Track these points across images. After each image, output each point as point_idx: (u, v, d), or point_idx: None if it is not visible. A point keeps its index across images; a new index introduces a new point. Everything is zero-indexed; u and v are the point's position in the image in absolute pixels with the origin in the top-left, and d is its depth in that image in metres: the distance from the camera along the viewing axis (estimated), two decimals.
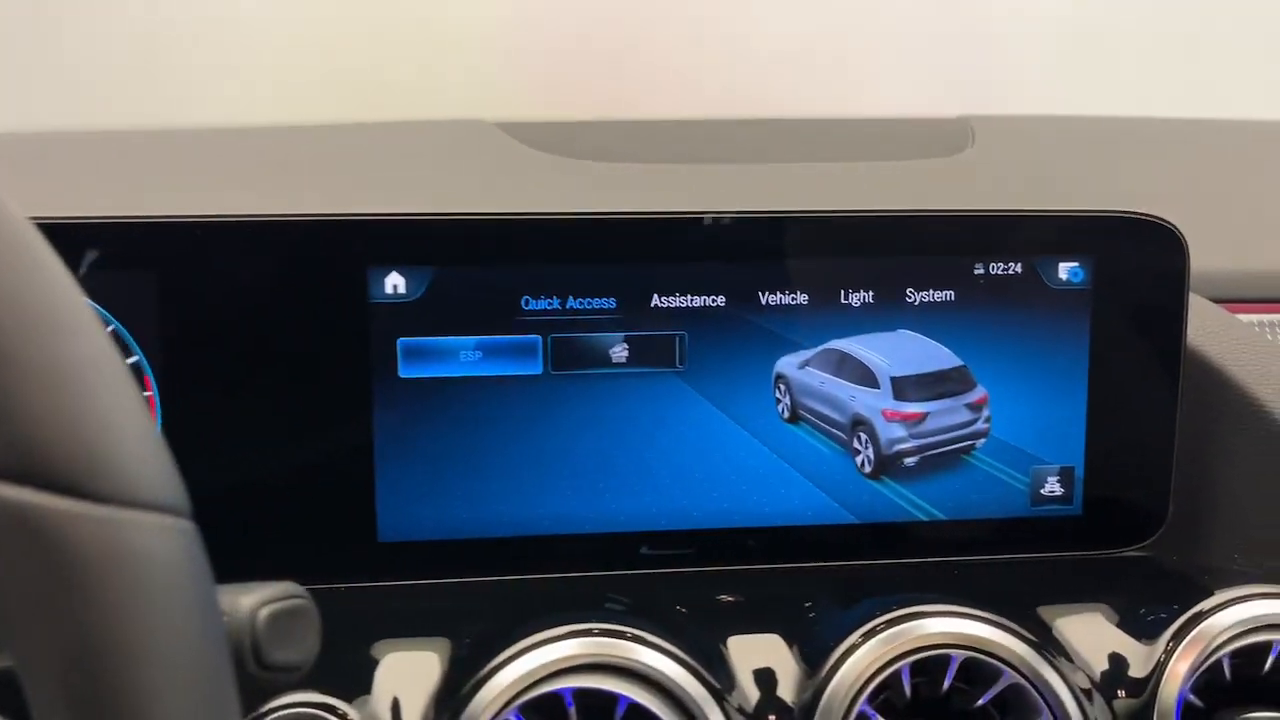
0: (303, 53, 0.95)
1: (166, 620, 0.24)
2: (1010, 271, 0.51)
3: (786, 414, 0.51)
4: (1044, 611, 0.49)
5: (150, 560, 0.24)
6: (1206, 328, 0.55)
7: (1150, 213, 0.51)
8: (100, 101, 0.93)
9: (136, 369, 0.47)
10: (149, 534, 0.24)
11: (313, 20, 0.95)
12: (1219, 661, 0.46)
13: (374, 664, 0.45)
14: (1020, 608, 0.49)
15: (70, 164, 0.70)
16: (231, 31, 0.94)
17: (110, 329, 0.47)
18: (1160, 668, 0.46)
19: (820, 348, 0.51)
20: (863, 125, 0.84)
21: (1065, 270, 0.52)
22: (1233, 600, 0.46)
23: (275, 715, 0.42)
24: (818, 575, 0.51)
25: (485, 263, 0.49)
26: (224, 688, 0.26)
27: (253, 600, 0.33)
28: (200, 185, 0.67)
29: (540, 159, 0.74)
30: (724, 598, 0.50)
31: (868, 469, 0.52)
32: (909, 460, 0.52)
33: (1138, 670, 0.46)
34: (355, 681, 0.44)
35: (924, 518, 0.52)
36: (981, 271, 0.51)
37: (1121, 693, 0.46)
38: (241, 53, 0.95)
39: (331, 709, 0.43)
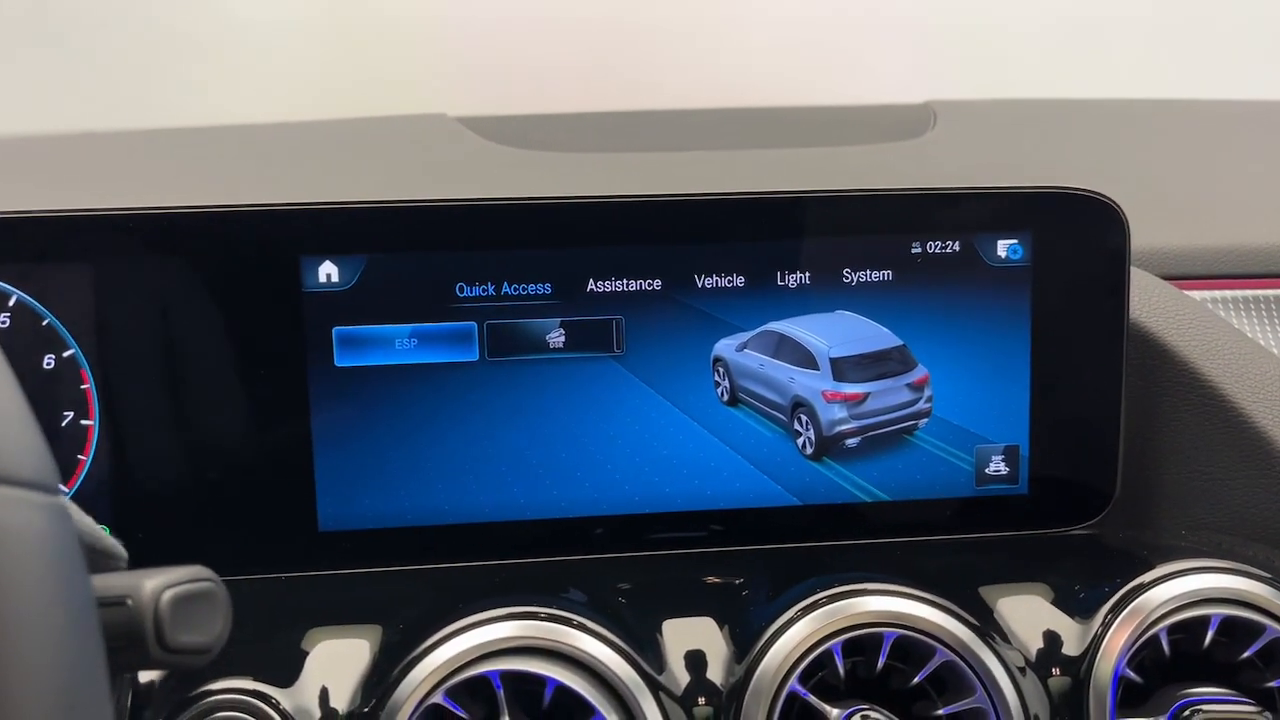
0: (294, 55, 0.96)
1: (24, 594, 0.24)
2: (948, 250, 0.51)
3: (726, 397, 0.51)
4: (986, 591, 0.49)
5: (10, 534, 0.24)
6: (1153, 303, 0.54)
7: (1087, 188, 0.51)
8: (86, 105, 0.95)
9: (73, 362, 0.48)
10: (11, 509, 0.25)
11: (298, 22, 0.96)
12: (1157, 637, 0.46)
13: (309, 651, 0.45)
14: (963, 587, 0.49)
15: (26, 166, 0.70)
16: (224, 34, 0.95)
17: (45, 323, 0.47)
18: (1096, 643, 0.45)
19: (758, 330, 0.51)
20: (829, 112, 0.84)
21: (1004, 248, 0.51)
22: (1170, 574, 0.46)
23: (207, 701, 0.42)
24: (760, 559, 0.51)
25: (418, 249, 0.49)
26: (87, 667, 0.26)
27: (156, 583, 0.33)
28: (153, 184, 0.67)
29: (500, 151, 0.75)
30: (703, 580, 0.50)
31: (809, 451, 0.52)
32: (850, 441, 0.52)
33: (1074, 647, 0.46)
34: (291, 669, 0.44)
35: (867, 499, 0.52)
36: (919, 250, 0.51)
37: (1056, 670, 0.45)
38: (234, 55, 0.95)
39: (264, 696, 0.43)
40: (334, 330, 0.49)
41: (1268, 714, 0.45)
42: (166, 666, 0.34)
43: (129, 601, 0.33)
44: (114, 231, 0.47)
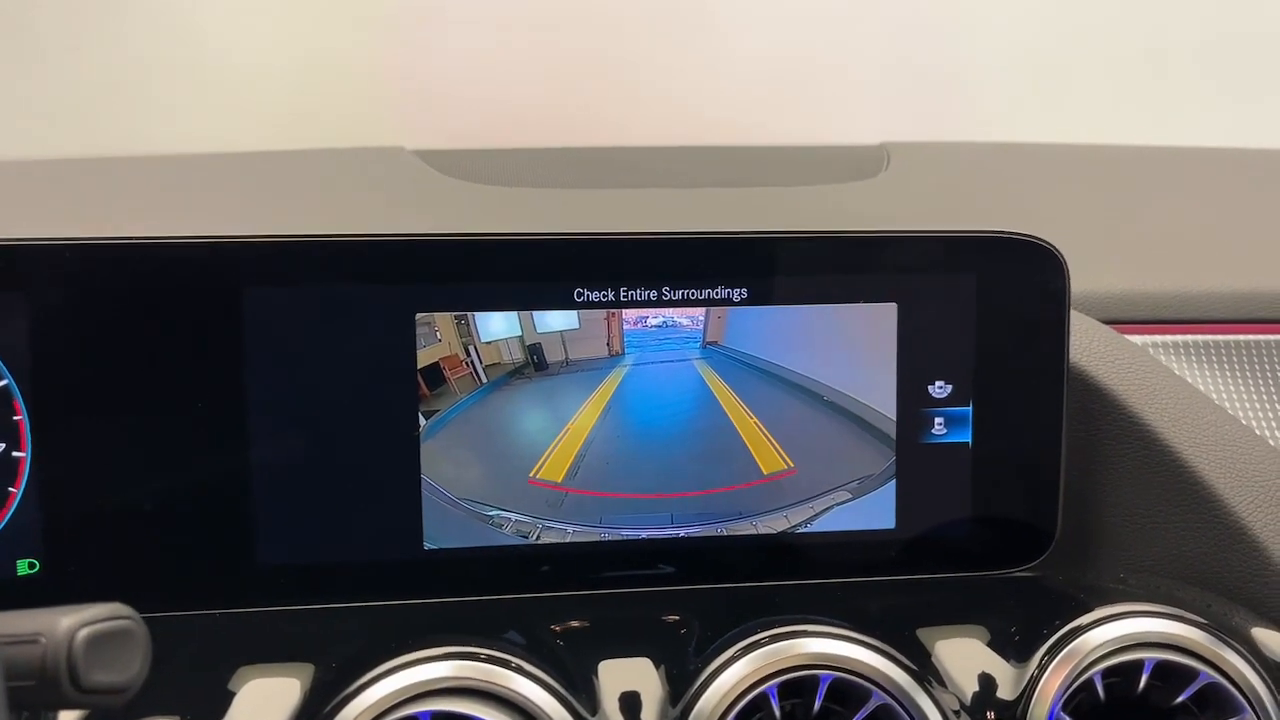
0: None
1: None
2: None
3: None
4: (924, 633, 0.49)
5: None
6: (1094, 347, 0.55)
7: (1029, 233, 0.52)
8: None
9: (5, 393, 0.47)
10: None
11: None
12: (1092, 681, 0.46)
13: (237, 690, 0.44)
14: (901, 629, 0.49)
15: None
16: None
17: None
18: (1031, 686, 0.45)
19: None
20: (784, 152, 0.85)
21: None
22: (1105, 618, 0.46)
23: None
24: (699, 598, 0.51)
25: (361, 283, 0.48)
26: None
27: (71, 621, 0.33)
28: (101, 212, 0.67)
29: (456, 186, 0.75)
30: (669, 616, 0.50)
31: None
32: None
33: (1009, 691, 0.46)
34: (217, 708, 0.44)
35: (808, 539, 0.52)
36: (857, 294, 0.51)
37: (991, 714, 0.45)
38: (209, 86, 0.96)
39: None
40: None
41: None
42: (81, 706, 0.33)
43: (42, 639, 0.32)
44: (50, 261, 0.47)
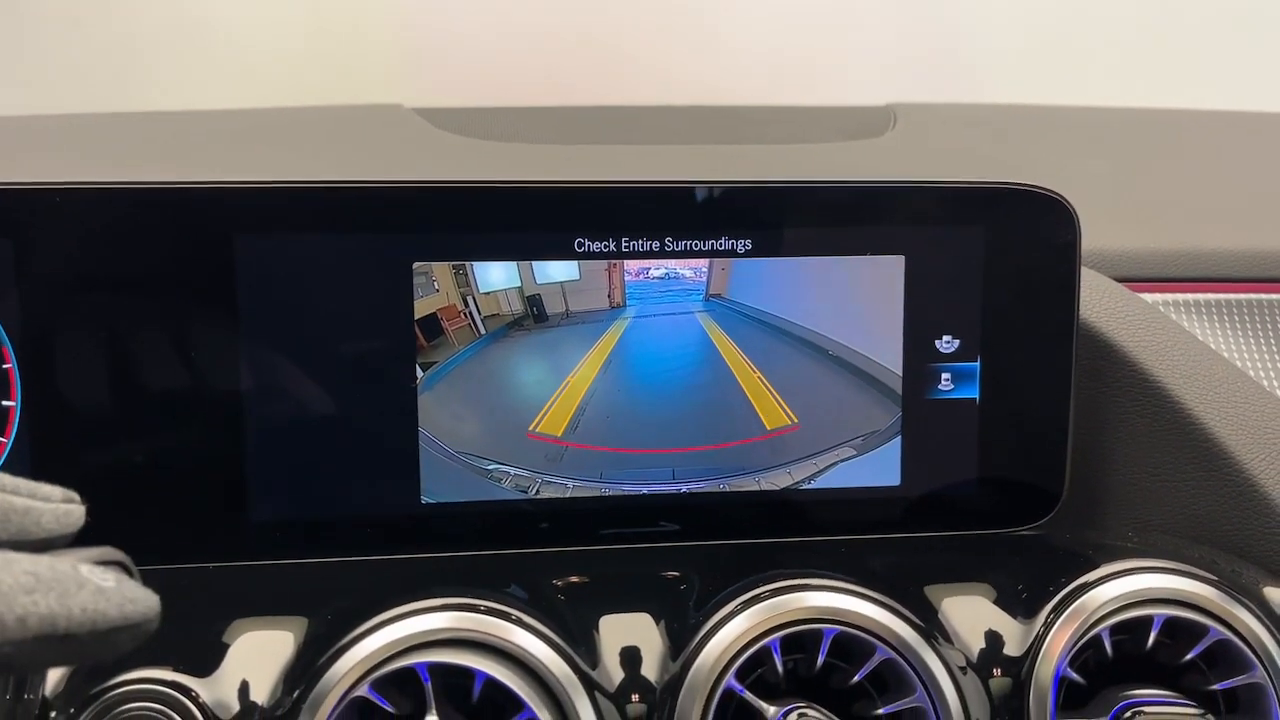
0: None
1: None
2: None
3: None
4: (930, 590, 0.48)
5: None
6: (1104, 304, 0.54)
7: (1038, 184, 0.50)
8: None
9: None
10: None
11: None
12: (1100, 637, 0.45)
13: (231, 642, 0.44)
14: (907, 586, 0.48)
15: None
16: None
17: None
18: (1038, 643, 0.45)
19: None
20: (790, 111, 0.83)
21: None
22: (1113, 574, 0.46)
23: (121, 691, 0.41)
24: (702, 553, 0.50)
25: (360, 232, 0.47)
26: None
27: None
28: (97, 165, 0.66)
29: (456, 141, 0.74)
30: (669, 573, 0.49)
31: None
32: None
33: (1015, 647, 0.45)
34: (211, 660, 0.43)
35: (814, 495, 0.51)
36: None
37: (997, 670, 0.45)
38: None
39: (181, 687, 0.41)
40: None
41: (1210, 716, 0.44)
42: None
43: None
44: (40, 207, 0.46)
